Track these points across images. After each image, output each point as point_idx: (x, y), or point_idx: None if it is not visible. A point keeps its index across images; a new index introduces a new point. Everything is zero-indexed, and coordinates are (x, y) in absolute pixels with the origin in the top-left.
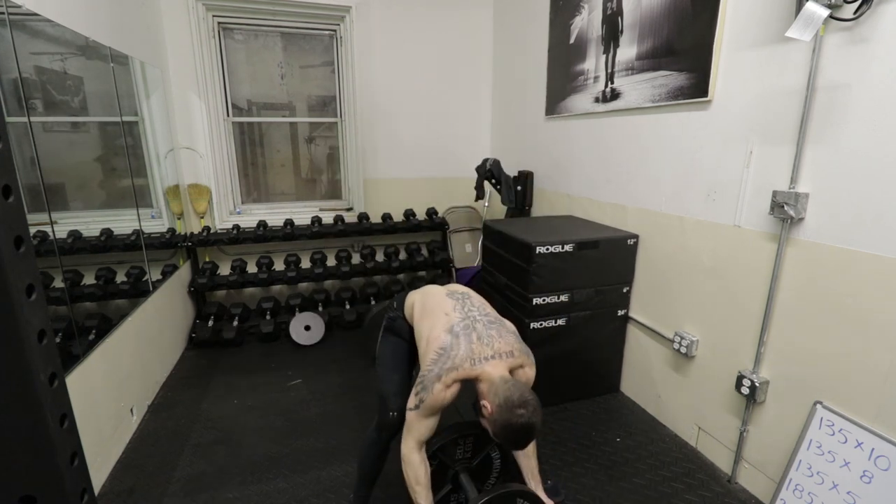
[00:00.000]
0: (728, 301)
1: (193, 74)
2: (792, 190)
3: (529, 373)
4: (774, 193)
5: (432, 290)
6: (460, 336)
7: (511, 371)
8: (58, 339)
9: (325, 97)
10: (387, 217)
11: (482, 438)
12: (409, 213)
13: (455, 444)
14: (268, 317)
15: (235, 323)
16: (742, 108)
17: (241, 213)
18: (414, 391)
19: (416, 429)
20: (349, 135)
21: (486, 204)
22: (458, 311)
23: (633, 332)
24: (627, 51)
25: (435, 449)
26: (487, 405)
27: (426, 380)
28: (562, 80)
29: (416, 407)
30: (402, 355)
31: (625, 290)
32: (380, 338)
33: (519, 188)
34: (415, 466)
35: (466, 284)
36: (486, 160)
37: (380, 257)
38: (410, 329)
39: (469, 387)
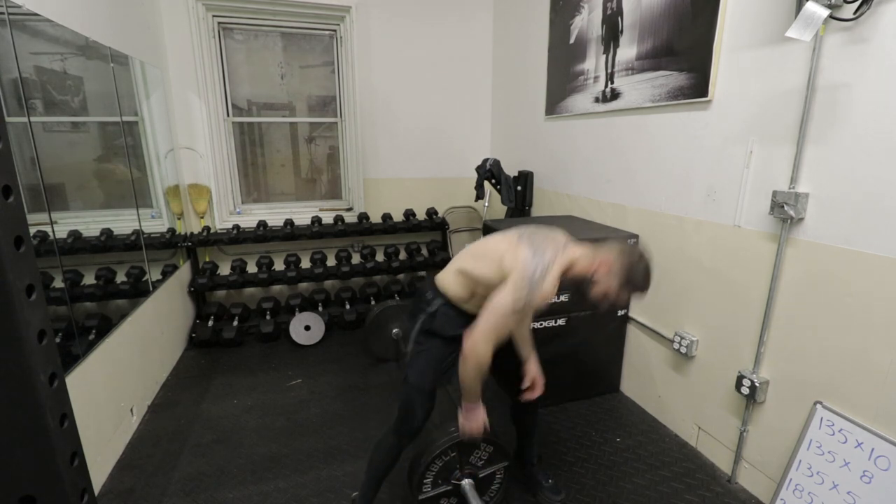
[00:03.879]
0: (728, 301)
1: (193, 74)
2: (792, 190)
3: None
4: (774, 193)
5: (465, 249)
6: (534, 236)
7: None
8: (58, 339)
9: (325, 97)
10: (387, 217)
11: (498, 454)
12: (409, 213)
13: (475, 447)
14: (268, 317)
15: (235, 323)
16: (742, 108)
17: (241, 213)
18: (512, 291)
19: (504, 325)
20: (349, 135)
21: (486, 204)
22: (511, 231)
23: (633, 332)
24: (627, 51)
25: (458, 441)
26: (603, 264)
27: (533, 280)
28: (562, 80)
29: (514, 308)
30: (435, 364)
31: None
32: (413, 342)
33: (519, 188)
34: (485, 364)
35: None
36: (486, 160)
37: (380, 257)
38: (458, 315)
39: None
